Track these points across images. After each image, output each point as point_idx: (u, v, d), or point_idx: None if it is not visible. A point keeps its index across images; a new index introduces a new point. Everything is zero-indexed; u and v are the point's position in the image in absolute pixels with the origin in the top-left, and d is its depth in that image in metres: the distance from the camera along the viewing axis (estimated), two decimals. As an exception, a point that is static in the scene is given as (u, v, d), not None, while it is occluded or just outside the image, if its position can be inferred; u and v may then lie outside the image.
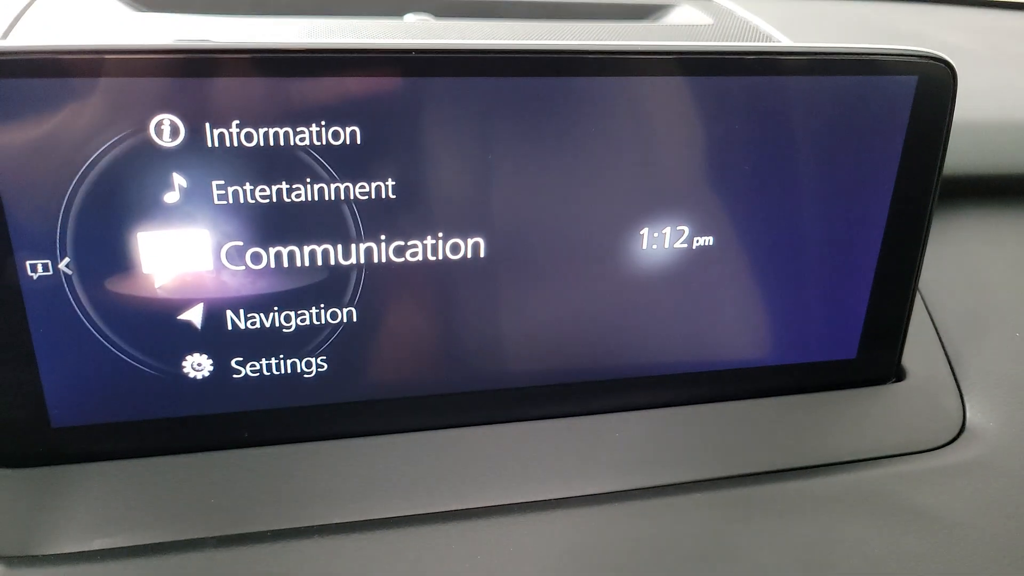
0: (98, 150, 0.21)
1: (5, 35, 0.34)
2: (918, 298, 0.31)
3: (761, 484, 0.25)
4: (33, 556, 0.21)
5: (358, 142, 0.22)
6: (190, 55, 0.20)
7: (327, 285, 0.23)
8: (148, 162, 0.21)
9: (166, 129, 0.21)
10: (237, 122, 0.21)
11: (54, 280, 0.22)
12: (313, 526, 0.23)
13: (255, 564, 0.22)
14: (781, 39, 0.42)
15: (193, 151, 0.21)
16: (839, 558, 0.24)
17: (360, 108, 0.22)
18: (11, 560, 0.21)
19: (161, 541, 0.22)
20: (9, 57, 0.20)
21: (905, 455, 0.27)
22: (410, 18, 0.42)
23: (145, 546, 0.22)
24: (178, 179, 0.21)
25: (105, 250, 0.22)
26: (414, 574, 0.22)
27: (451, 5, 0.45)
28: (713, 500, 0.25)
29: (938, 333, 0.30)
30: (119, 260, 0.22)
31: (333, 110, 0.21)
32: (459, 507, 0.23)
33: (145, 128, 0.21)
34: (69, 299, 0.22)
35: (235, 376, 0.24)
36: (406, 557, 0.22)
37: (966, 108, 0.34)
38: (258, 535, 0.22)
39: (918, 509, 0.25)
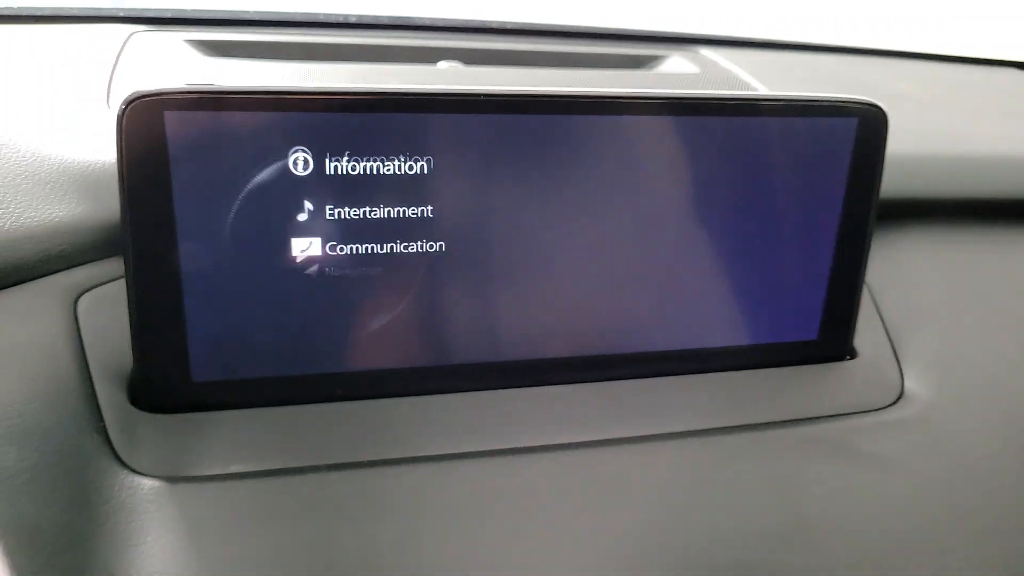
0: (247, 166, 0.27)
1: (110, 79, 0.41)
2: (866, 293, 0.38)
3: (741, 433, 0.32)
4: (186, 476, 0.27)
5: (432, 170, 0.29)
6: (314, 96, 0.27)
7: (403, 273, 0.30)
8: (282, 180, 0.28)
9: (300, 162, 0.28)
10: (348, 153, 0.28)
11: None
12: (391, 459, 0.29)
13: (353, 483, 0.28)
14: (758, 86, 0.50)
15: (316, 177, 0.28)
16: (804, 490, 0.31)
17: (433, 140, 0.29)
18: (171, 479, 0.27)
19: (283, 467, 0.28)
20: (178, 97, 0.26)
21: (856, 414, 0.34)
22: (443, 65, 0.50)
23: (270, 470, 0.28)
24: (304, 198, 0.28)
25: (247, 242, 0.28)
26: (466, 494, 0.28)
27: (476, 54, 0.52)
28: (701, 446, 0.31)
29: (883, 322, 0.38)
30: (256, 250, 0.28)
31: (414, 143, 0.28)
32: (495, 447, 0.30)
33: (285, 158, 0.28)
34: (216, 278, 0.28)
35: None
36: (458, 482, 0.28)
37: (907, 143, 0.42)
38: (355, 463, 0.29)
39: (866, 453, 0.32)
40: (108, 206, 0.31)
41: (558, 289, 0.32)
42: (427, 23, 0.56)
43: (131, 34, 0.48)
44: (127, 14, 0.52)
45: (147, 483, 0.27)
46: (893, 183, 0.40)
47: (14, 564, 0.23)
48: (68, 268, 0.30)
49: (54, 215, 0.30)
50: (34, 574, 0.23)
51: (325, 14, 0.56)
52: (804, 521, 0.30)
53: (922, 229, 0.42)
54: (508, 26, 0.59)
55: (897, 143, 0.38)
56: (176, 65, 0.43)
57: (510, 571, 0.28)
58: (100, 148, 0.32)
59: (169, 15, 0.53)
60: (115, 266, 0.31)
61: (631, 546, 0.29)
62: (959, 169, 0.43)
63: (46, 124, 0.34)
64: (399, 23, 0.56)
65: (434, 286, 0.30)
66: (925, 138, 0.45)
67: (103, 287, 0.31)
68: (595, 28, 0.61)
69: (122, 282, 0.31)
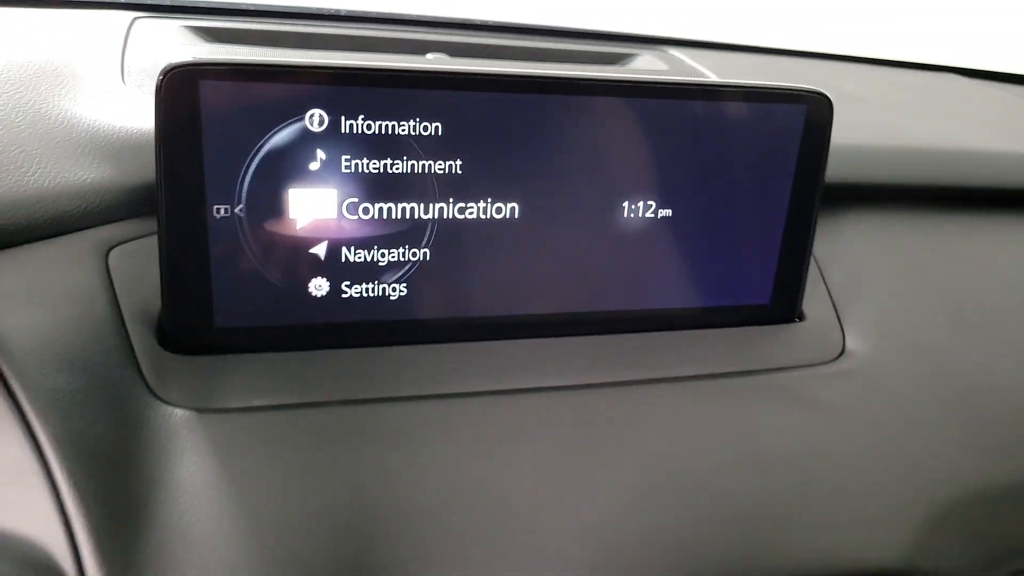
0: (270, 130, 0.31)
1: (121, 59, 0.44)
2: (813, 265, 0.43)
3: (708, 381, 0.36)
4: (210, 408, 0.31)
5: (439, 133, 0.33)
6: (334, 71, 0.31)
7: (411, 232, 0.34)
8: (301, 141, 0.31)
9: (316, 119, 0.31)
10: (362, 116, 0.32)
11: (230, 220, 0.32)
12: (394, 396, 0.32)
13: (362, 417, 0.32)
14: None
15: (332, 134, 0.32)
16: (759, 430, 0.35)
17: (442, 110, 0.32)
18: (198, 410, 0.30)
19: (298, 402, 0.32)
20: (213, 68, 0.30)
21: (804, 367, 0.38)
22: (431, 56, 0.53)
23: (287, 404, 0.31)
24: (320, 154, 0.32)
25: (267, 201, 0.32)
26: (460, 427, 0.32)
27: (461, 47, 0.56)
28: (671, 390, 0.36)
29: (828, 290, 0.42)
30: (275, 208, 0.32)
31: (425, 110, 0.32)
32: (492, 388, 0.34)
33: (302, 117, 0.31)
34: (238, 234, 0.32)
35: (343, 295, 0.34)
36: (455, 417, 0.32)
37: (853, 136, 0.47)
38: (364, 400, 0.32)
39: (812, 398, 0.37)
40: (133, 170, 0.34)
41: (542, 253, 0.36)
42: (415, 18, 0.60)
43: (134, 19, 0.51)
44: (130, 0, 0.55)
45: (177, 412, 0.30)
46: (840, 170, 0.45)
47: (68, 471, 0.26)
48: (99, 225, 0.34)
49: (86, 177, 0.33)
50: (84, 481, 0.26)
51: (318, 7, 0.60)
52: (759, 455, 0.34)
53: (864, 212, 0.47)
54: (491, 23, 0.63)
55: (844, 135, 0.43)
56: (178, 48, 0.47)
57: (502, 491, 0.31)
58: (123, 119, 0.35)
59: (168, 3, 0.56)
60: (139, 225, 0.35)
61: (607, 471, 0.33)
62: (898, 159, 0.48)
63: (70, 97, 0.37)
64: (388, 17, 0.59)
65: (437, 247, 0.34)
66: (869, 131, 0.50)
67: (130, 243, 0.34)
68: (571, 27, 0.66)
69: (146, 239, 0.34)
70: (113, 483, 0.27)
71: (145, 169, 0.34)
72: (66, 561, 0.26)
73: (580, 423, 0.33)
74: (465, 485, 0.31)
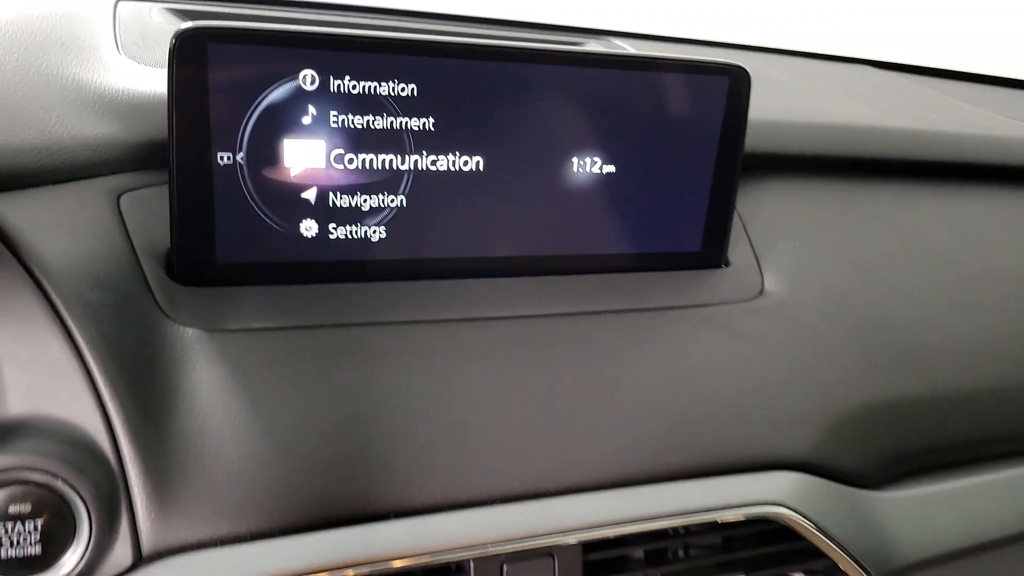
0: (268, 87, 0.36)
1: (114, 35, 0.48)
2: (737, 220, 0.49)
3: (646, 312, 0.42)
4: (217, 328, 0.35)
5: (415, 94, 0.38)
6: (325, 37, 0.36)
7: (389, 181, 0.39)
8: (295, 97, 0.36)
9: (308, 78, 0.36)
10: (348, 77, 0.37)
11: (232, 166, 0.36)
12: (376, 321, 0.37)
13: (346, 337, 0.36)
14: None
15: (323, 92, 0.36)
16: (691, 352, 0.41)
17: (416, 74, 0.38)
18: (208, 330, 0.35)
19: (292, 324, 0.36)
20: (220, 31, 0.34)
21: (729, 303, 0.44)
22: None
23: (282, 327, 0.36)
24: (311, 109, 0.37)
25: (265, 149, 0.36)
26: (442, 347, 0.37)
27: (426, 17, 0.61)
28: (615, 321, 0.41)
29: (750, 241, 0.48)
30: (272, 156, 0.37)
31: (402, 73, 0.37)
32: (461, 317, 0.39)
33: (296, 77, 0.36)
34: (239, 179, 0.36)
35: (330, 236, 0.39)
36: (430, 339, 0.37)
37: (775, 113, 0.53)
38: (348, 324, 0.37)
39: (734, 328, 0.43)
40: (136, 128, 0.39)
41: (503, 202, 0.41)
42: (387, 7, 0.65)
43: (116, 2, 0.55)
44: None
45: (188, 331, 0.34)
46: (761, 142, 0.51)
47: (103, 368, 0.30)
48: (109, 175, 0.38)
49: (96, 131, 0.38)
50: (116, 376, 0.31)
51: (291, -6, 0.64)
52: (690, 372, 0.40)
53: (782, 179, 0.54)
54: (451, 14, 0.68)
55: (766, 112, 0.50)
56: (163, 26, 0.51)
57: (470, 398, 0.37)
58: (125, 83, 0.39)
59: (149, -13, 0.60)
60: (143, 177, 0.39)
61: (561, 384, 0.38)
62: (812, 133, 0.55)
63: (76, 64, 0.41)
64: (365, 6, 0.64)
65: (412, 195, 0.39)
66: (788, 110, 0.57)
67: (137, 191, 0.38)
68: (525, 20, 0.72)
69: (150, 189, 0.39)
70: (139, 381, 0.31)
71: (147, 127, 0.39)
72: (103, 441, 0.30)
73: (537, 346, 0.39)
74: (437, 392, 0.36)
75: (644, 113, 0.42)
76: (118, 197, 0.37)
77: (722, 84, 0.44)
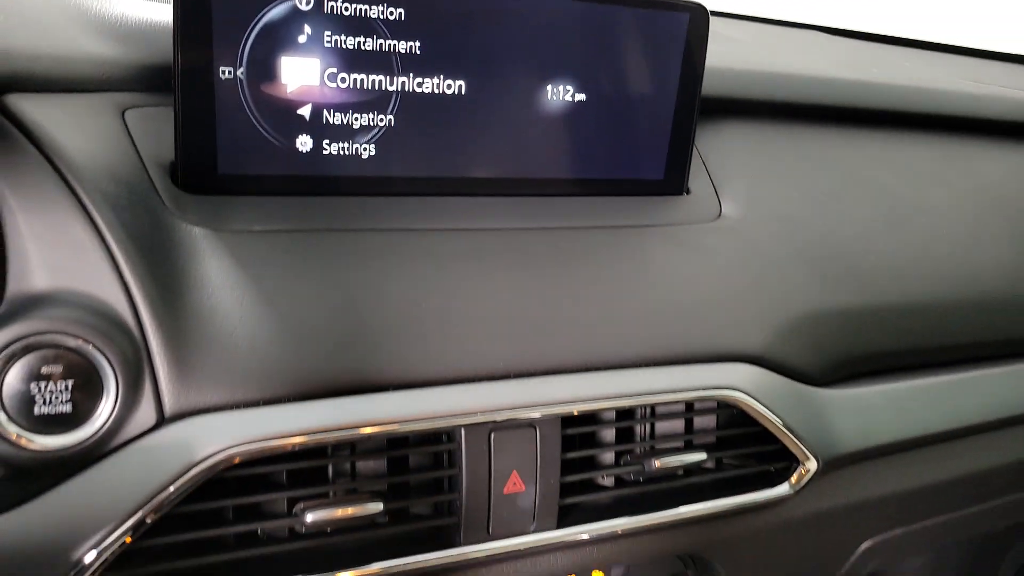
0: (266, 5, 0.38)
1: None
2: (698, 156, 0.53)
3: (617, 229, 0.46)
4: (223, 229, 0.38)
5: (403, 18, 0.41)
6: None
7: (379, 101, 0.42)
8: (292, 17, 0.39)
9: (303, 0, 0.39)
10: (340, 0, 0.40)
11: (233, 81, 0.39)
12: (367, 228, 0.40)
13: (341, 240, 0.39)
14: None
15: (317, 13, 0.39)
16: (656, 262, 0.45)
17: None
18: (214, 229, 0.38)
19: (291, 228, 0.39)
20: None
21: (689, 224, 0.48)
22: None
23: (282, 230, 0.39)
24: (307, 28, 0.39)
25: (263, 66, 0.39)
26: (421, 248, 0.40)
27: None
28: (589, 236, 0.45)
29: (708, 173, 0.53)
30: (270, 73, 0.39)
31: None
32: (447, 227, 0.42)
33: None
34: (239, 93, 0.39)
35: (324, 152, 0.41)
36: (414, 243, 0.40)
37: (735, 62, 0.57)
38: (341, 229, 0.40)
39: (696, 244, 0.47)
40: (137, 51, 0.41)
41: (483, 125, 0.44)
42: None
43: None
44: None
45: (196, 229, 0.37)
46: (720, 87, 0.55)
47: (123, 249, 0.33)
48: (114, 91, 0.40)
49: (102, 50, 0.40)
50: (136, 257, 0.33)
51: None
52: (655, 278, 0.44)
53: (740, 121, 0.58)
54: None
55: (724, 61, 0.54)
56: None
57: (451, 295, 0.40)
58: (125, 11, 0.42)
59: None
60: (144, 97, 0.41)
61: (536, 285, 0.41)
62: (766, 80, 0.59)
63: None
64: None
65: (400, 114, 0.42)
66: (746, 61, 0.62)
67: (141, 108, 0.41)
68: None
69: (151, 108, 0.41)
70: (155, 263, 0.34)
71: (148, 51, 0.41)
72: (126, 314, 0.33)
73: (517, 252, 0.42)
74: (427, 287, 0.39)
75: (612, 45, 0.46)
76: (123, 112, 0.40)
77: (683, 21, 0.47)
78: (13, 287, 0.32)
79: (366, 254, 0.39)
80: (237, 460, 0.33)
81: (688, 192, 0.51)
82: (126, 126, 0.39)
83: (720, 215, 0.50)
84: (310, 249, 0.39)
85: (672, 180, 0.51)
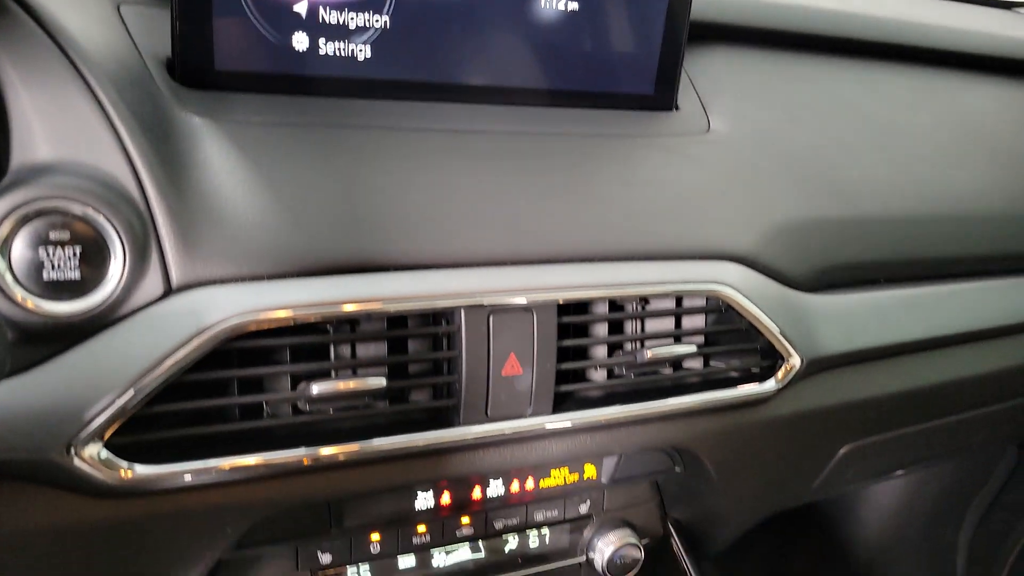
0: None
1: None
2: (687, 76, 0.54)
3: (605, 138, 0.47)
4: (223, 119, 0.38)
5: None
6: None
7: (375, 2, 0.42)
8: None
9: None
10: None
11: (230, -24, 0.39)
12: (365, 125, 0.41)
13: (340, 134, 0.40)
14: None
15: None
16: (647, 168, 0.46)
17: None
18: (213, 119, 0.38)
19: (290, 122, 0.40)
20: None
21: (680, 135, 0.49)
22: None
23: (281, 122, 0.39)
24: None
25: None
26: (419, 148, 0.41)
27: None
28: (577, 141, 0.46)
29: (697, 93, 0.54)
30: (267, -32, 0.40)
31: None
32: (442, 128, 0.43)
33: None
34: (237, -10, 0.39)
35: (319, 52, 0.42)
36: (416, 141, 0.41)
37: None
38: (340, 125, 0.40)
39: (687, 153, 0.48)
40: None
41: (478, 30, 0.45)
42: None
43: None
44: None
45: (196, 118, 0.37)
46: (709, 11, 0.56)
47: (127, 125, 0.33)
48: (109, -14, 0.40)
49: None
50: (140, 133, 0.34)
51: None
52: (646, 180, 0.45)
53: (727, 46, 0.59)
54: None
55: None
56: None
57: (464, 185, 0.41)
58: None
59: None
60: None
61: (530, 184, 0.42)
62: (754, 7, 0.60)
63: None
64: None
65: (395, 16, 0.43)
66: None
67: (133, 5, 0.41)
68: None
69: (144, 6, 0.41)
70: (159, 140, 0.35)
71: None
72: (132, 187, 0.33)
73: (514, 152, 0.43)
74: (427, 177, 0.40)
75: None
76: (118, 7, 0.40)
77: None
78: (18, 158, 0.32)
79: (365, 148, 0.40)
80: (246, 328, 0.33)
81: (677, 109, 0.52)
82: (122, 19, 0.40)
83: (708, 130, 0.51)
84: (310, 141, 0.39)
85: (662, 95, 0.52)
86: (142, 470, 0.33)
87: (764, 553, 1.09)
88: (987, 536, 1.02)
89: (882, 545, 1.05)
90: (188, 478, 0.34)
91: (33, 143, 0.33)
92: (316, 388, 0.36)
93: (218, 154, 0.36)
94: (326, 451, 0.36)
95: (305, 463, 0.36)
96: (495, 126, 0.45)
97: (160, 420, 0.34)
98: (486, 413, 0.40)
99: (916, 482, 1.02)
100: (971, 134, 0.63)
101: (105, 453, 0.32)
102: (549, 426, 0.41)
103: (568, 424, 0.42)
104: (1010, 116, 0.66)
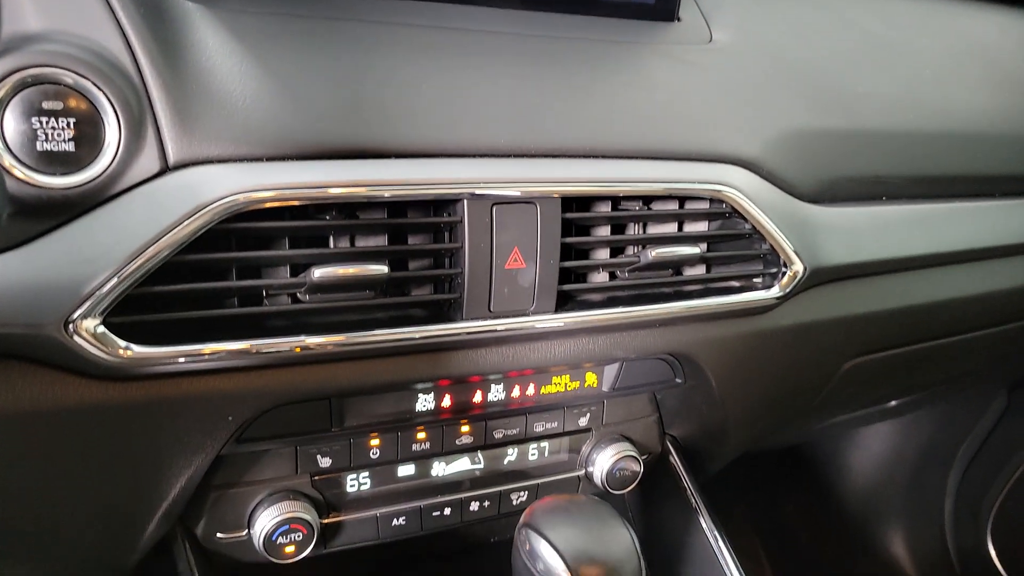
0: None
1: None
2: (688, -10, 0.53)
3: (611, 43, 0.46)
4: (217, 6, 0.37)
5: None
6: None
7: None
8: None
9: None
10: None
11: None
12: (365, 19, 0.39)
13: (340, 27, 0.39)
14: None
15: None
16: (650, 72, 0.45)
17: None
18: (210, 5, 0.37)
19: (289, 12, 0.38)
20: None
21: (687, 43, 0.49)
22: None
23: (279, 12, 0.38)
24: None
25: None
26: (422, 42, 0.40)
27: None
28: (583, 45, 0.45)
29: (699, 7, 0.53)
30: None
31: None
32: (453, 26, 0.41)
33: None
34: None
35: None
36: (417, 38, 0.40)
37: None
38: (340, 18, 0.39)
39: (690, 60, 0.47)
40: None
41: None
42: None
43: None
44: None
45: (189, 3, 0.36)
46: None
47: (129, 16, 0.33)
48: None
49: None
50: (132, 12, 0.33)
51: None
52: (649, 82, 0.44)
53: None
54: None
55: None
56: None
57: (469, 75, 0.40)
58: None
59: None
60: None
61: (533, 79, 0.42)
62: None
63: None
64: None
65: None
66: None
67: None
68: None
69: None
70: (153, 18, 0.34)
71: None
72: (127, 61, 0.32)
73: (521, 52, 0.42)
74: (432, 67, 0.39)
75: None
76: None
77: None
78: (8, 28, 0.31)
79: (367, 39, 0.39)
80: (244, 206, 0.33)
81: (680, 20, 0.51)
82: None
83: (711, 40, 0.51)
84: (310, 31, 0.38)
85: (664, 4, 0.51)
86: (139, 349, 0.33)
87: (755, 500, 1.10)
88: (976, 479, 1.03)
89: (872, 489, 1.06)
90: (182, 360, 0.34)
91: (24, 12, 0.31)
92: (317, 272, 0.35)
93: (214, 36, 0.35)
94: (317, 339, 0.36)
95: (296, 351, 0.36)
96: (501, 27, 0.44)
97: (159, 302, 0.34)
98: (489, 308, 0.39)
99: (906, 426, 1.03)
100: (974, 58, 0.62)
101: (102, 329, 0.32)
102: (551, 324, 0.41)
103: (570, 323, 0.41)
104: (1011, 42, 0.66)
